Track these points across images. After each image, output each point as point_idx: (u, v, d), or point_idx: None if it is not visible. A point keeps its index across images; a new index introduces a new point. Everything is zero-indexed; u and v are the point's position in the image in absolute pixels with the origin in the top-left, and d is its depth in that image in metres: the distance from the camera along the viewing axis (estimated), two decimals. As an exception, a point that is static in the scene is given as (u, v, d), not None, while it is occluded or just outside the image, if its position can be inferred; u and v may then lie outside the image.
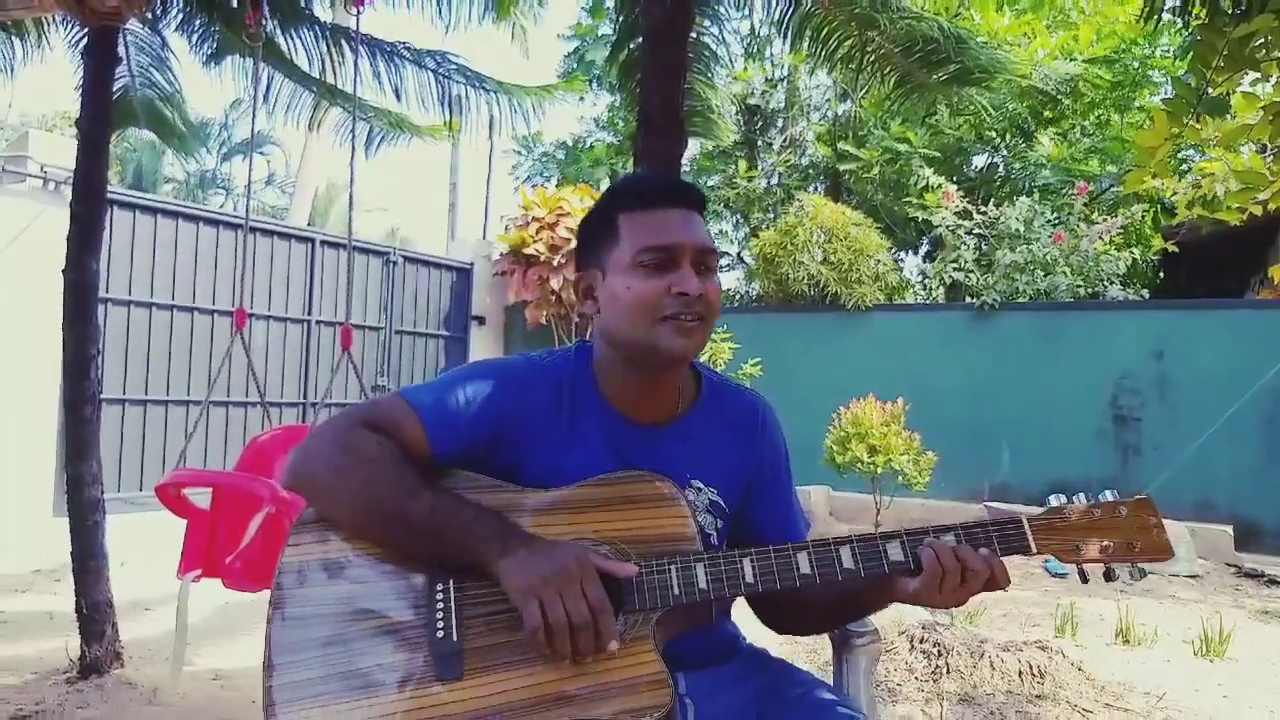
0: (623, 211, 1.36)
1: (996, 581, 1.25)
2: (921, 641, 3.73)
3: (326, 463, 1.28)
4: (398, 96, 4.99)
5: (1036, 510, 1.30)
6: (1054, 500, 1.28)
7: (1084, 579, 1.27)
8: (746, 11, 5.12)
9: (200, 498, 3.14)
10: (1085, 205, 9.59)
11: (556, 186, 10.72)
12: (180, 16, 4.55)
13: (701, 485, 1.41)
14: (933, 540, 1.26)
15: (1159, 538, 1.24)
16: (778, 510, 1.50)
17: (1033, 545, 1.25)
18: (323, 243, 8.25)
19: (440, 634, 1.21)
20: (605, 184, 13.67)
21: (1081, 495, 1.27)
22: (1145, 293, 9.49)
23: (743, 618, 1.54)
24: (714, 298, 1.34)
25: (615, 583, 1.22)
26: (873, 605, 1.39)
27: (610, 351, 1.39)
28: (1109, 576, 1.25)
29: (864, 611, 1.43)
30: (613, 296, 1.34)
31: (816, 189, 13.40)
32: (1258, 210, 3.36)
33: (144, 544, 4.84)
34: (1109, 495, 1.27)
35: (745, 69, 12.91)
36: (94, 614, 3.37)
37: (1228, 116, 2.92)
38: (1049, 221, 8.97)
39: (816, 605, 1.44)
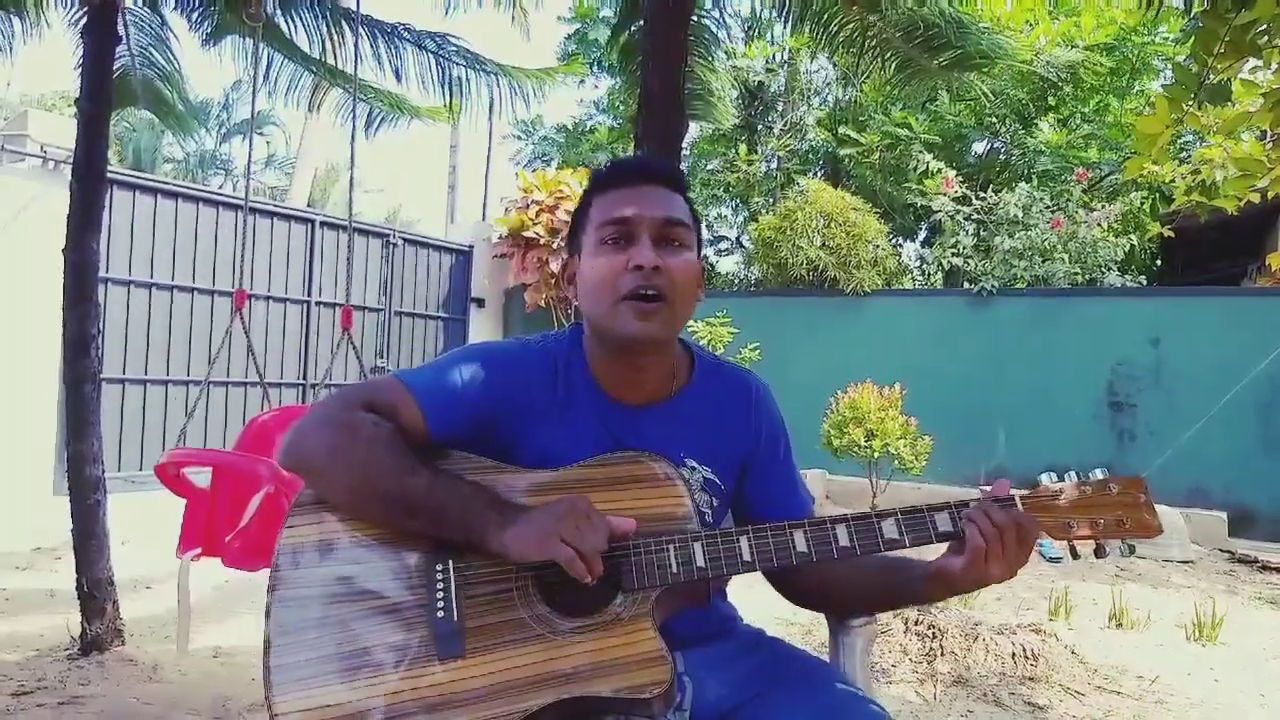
0: (594, 194, 1.39)
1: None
2: (916, 623, 3.75)
3: (323, 443, 1.27)
4: (398, 78, 4.96)
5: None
6: (1045, 479, 1.28)
7: (1075, 555, 1.28)
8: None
9: (200, 477, 3.16)
10: (1084, 192, 9.58)
11: (557, 170, 10.68)
12: (179, -6, 4.53)
13: (696, 464, 1.41)
14: (972, 510, 1.24)
15: (1148, 515, 1.25)
16: (779, 489, 1.49)
17: None
18: (322, 224, 8.25)
19: (440, 613, 1.21)
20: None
21: (1073, 473, 1.27)
22: (1142, 279, 9.50)
23: (738, 599, 1.55)
24: (677, 273, 1.32)
25: (614, 563, 1.23)
26: (927, 598, 1.35)
27: (591, 334, 1.41)
28: (1099, 553, 1.26)
29: (917, 602, 1.40)
30: (582, 278, 1.37)
31: (816, 174, 13.36)
32: (1255, 198, 3.36)
33: (145, 523, 4.86)
34: (1099, 473, 1.27)
35: (749, 48, 12.84)
36: (95, 591, 3.38)
37: (1228, 103, 2.92)
38: (1047, 208, 8.96)
39: (853, 594, 1.43)
